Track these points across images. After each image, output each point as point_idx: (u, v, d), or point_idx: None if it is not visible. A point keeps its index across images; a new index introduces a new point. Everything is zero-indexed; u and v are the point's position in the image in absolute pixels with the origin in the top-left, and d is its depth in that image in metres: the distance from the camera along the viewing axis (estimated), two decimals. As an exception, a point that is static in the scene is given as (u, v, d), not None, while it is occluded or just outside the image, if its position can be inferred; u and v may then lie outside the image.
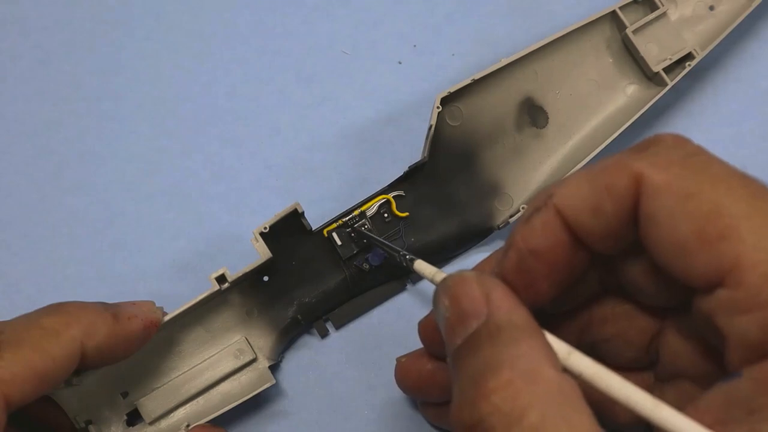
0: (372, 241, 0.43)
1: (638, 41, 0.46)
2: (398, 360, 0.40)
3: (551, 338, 0.29)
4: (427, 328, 0.38)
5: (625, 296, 0.34)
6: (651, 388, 0.34)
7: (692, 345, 0.32)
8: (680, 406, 0.27)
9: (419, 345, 0.44)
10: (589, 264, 0.32)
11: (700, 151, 0.29)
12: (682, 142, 0.29)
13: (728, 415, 0.26)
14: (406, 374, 0.40)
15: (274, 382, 0.41)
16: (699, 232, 0.27)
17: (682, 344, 0.32)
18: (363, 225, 0.44)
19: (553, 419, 0.25)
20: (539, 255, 0.30)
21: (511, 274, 0.31)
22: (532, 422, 0.25)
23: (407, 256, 0.38)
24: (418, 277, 0.45)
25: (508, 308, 0.29)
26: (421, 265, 0.36)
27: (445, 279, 0.31)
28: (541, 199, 0.31)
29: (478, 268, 0.36)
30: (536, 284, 0.31)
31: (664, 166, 0.28)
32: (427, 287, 0.46)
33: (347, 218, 0.44)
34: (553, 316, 0.35)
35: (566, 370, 0.28)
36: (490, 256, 0.37)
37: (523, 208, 0.44)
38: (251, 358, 0.42)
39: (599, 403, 0.33)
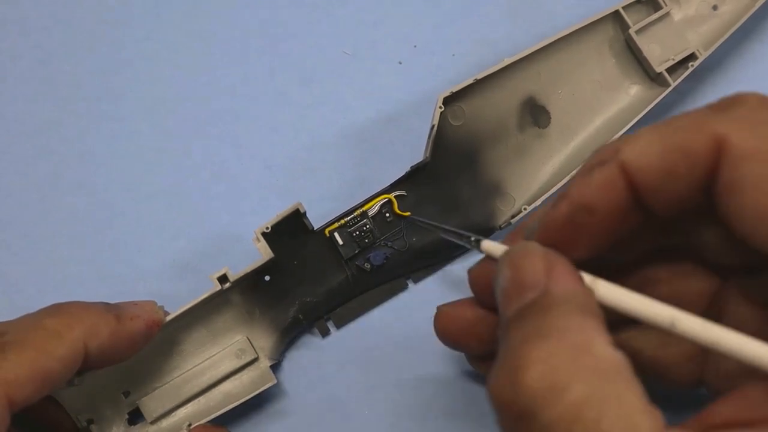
0: (427, 227, 0.42)
1: (641, 41, 0.46)
2: (439, 308, 0.38)
3: (645, 300, 0.27)
4: (479, 276, 0.36)
5: (682, 254, 0.32)
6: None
7: (760, 310, 0.30)
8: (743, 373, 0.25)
9: (419, 345, 0.44)
10: (643, 224, 0.30)
11: None
12: (767, 102, 0.27)
13: None
14: (447, 322, 0.37)
15: (275, 381, 0.41)
16: None
17: (748, 309, 0.31)
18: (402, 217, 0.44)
19: (599, 397, 0.24)
20: (593, 211, 0.29)
21: (556, 227, 0.30)
22: (575, 398, 0.24)
23: (473, 238, 0.36)
24: (419, 277, 0.45)
25: (567, 283, 0.27)
26: (489, 245, 0.35)
27: (509, 249, 0.30)
28: (607, 153, 0.28)
29: (510, 237, 0.35)
30: (581, 240, 0.29)
31: (750, 129, 0.26)
32: (430, 288, 0.46)
33: (349, 218, 0.44)
34: (603, 275, 0.33)
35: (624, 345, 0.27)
36: (523, 223, 0.35)
37: (524, 208, 0.44)
38: (252, 357, 0.42)
39: (652, 367, 0.33)
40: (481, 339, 0.37)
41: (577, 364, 0.24)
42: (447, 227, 0.39)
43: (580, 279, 0.28)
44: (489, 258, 0.35)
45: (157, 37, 0.50)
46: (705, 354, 0.33)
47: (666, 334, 0.27)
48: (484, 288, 0.35)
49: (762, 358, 0.25)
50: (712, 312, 0.32)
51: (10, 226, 0.47)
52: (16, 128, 0.48)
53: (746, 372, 0.26)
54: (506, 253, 0.30)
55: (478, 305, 0.37)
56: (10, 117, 0.48)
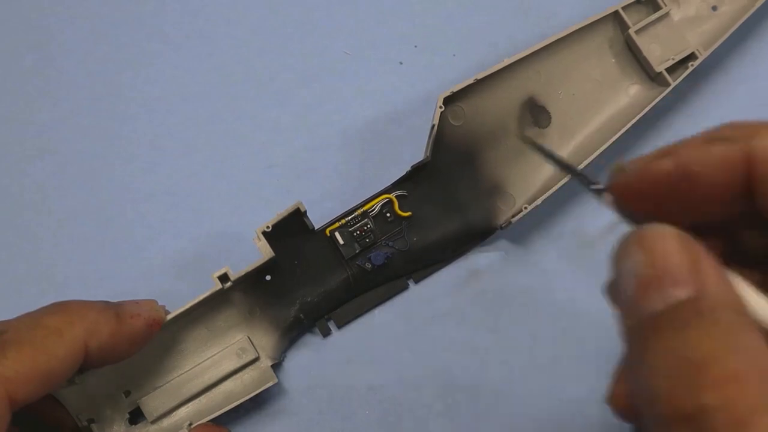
0: (548, 158, 0.38)
1: (641, 41, 0.46)
2: (608, 392, 0.28)
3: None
4: (622, 399, 0.28)
5: (750, 265, 0.29)
6: None
7: None
8: None
9: (418, 345, 0.44)
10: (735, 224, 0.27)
11: None
12: None
13: None
14: (619, 404, 0.28)
15: (276, 381, 0.41)
16: None
17: None
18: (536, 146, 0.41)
19: None
20: (697, 182, 0.26)
21: (652, 182, 0.27)
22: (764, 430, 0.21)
23: (592, 185, 0.29)
24: (420, 277, 0.45)
25: (720, 284, 0.24)
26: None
27: (640, 230, 0.25)
28: (738, 132, 0.26)
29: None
30: (669, 206, 0.27)
31: None
32: (430, 287, 0.46)
33: (349, 218, 0.44)
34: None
35: None
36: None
37: (525, 207, 0.44)
38: (253, 357, 0.42)
39: None
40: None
41: (765, 390, 0.21)
42: (566, 162, 0.34)
43: (726, 274, 0.24)
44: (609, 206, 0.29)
45: (157, 37, 0.50)
46: None
47: None
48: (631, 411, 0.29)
49: None
50: None
51: (10, 226, 0.47)
52: (16, 128, 0.48)
53: None
54: (637, 233, 0.25)
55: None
56: (10, 117, 0.48)
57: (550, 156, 0.36)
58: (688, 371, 0.22)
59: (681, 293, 0.23)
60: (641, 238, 0.25)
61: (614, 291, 0.26)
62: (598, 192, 0.29)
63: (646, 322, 0.24)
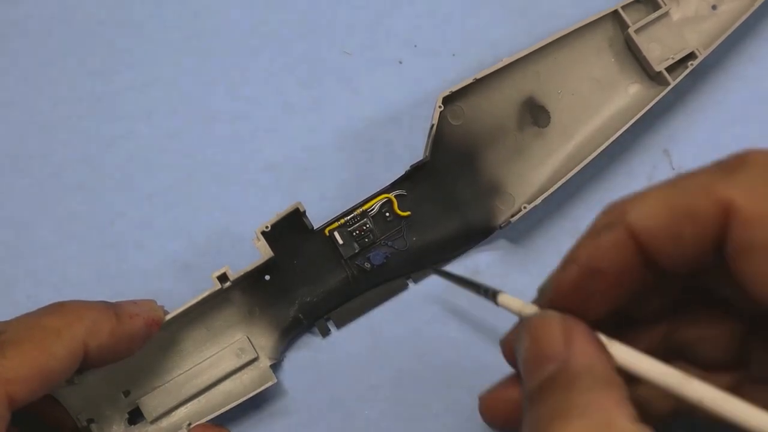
0: (449, 279, 0.41)
1: (640, 41, 0.46)
2: (481, 398, 0.36)
3: (657, 364, 0.27)
4: (509, 347, 0.34)
5: (712, 299, 0.32)
6: (738, 388, 0.31)
7: None
8: None
9: (419, 345, 0.44)
10: (659, 281, 0.30)
11: None
12: None
13: None
14: (494, 410, 0.35)
15: (275, 381, 0.41)
16: None
17: None
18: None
19: None
20: (603, 275, 0.29)
21: (567, 291, 0.30)
22: None
23: (490, 291, 0.35)
24: (419, 277, 0.45)
25: (588, 354, 0.27)
26: (505, 299, 0.34)
27: (528, 318, 0.30)
28: (613, 215, 0.29)
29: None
30: (593, 302, 0.30)
31: (757, 193, 0.26)
32: (430, 287, 0.45)
33: (348, 217, 0.44)
34: (632, 322, 0.33)
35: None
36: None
37: (524, 207, 0.44)
38: (253, 357, 0.42)
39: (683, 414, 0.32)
40: None
41: None
42: (468, 278, 0.38)
43: (600, 346, 0.28)
44: (507, 310, 0.34)
45: (157, 37, 0.50)
46: None
47: None
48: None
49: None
50: (740, 356, 0.32)
51: (10, 226, 0.47)
52: (16, 128, 0.48)
53: None
54: (525, 322, 0.30)
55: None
56: (10, 117, 0.48)
57: (457, 279, 0.40)
58: (539, 426, 0.26)
59: (551, 368, 0.27)
60: (527, 325, 0.30)
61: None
62: (494, 296, 0.34)
63: (529, 398, 0.28)
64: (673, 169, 0.47)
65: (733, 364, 0.32)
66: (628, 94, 0.47)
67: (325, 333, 0.45)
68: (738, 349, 0.32)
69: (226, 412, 0.41)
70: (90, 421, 0.40)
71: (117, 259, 0.46)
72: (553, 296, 0.30)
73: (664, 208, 0.27)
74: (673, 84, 0.45)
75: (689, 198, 0.27)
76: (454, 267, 0.46)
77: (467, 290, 0.38)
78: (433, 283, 0.46)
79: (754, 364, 0.31)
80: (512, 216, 0.44)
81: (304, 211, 0.42)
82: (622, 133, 0.44)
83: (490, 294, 0.35)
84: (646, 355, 0.28)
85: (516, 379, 0.35)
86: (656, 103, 0.45)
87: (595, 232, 0.29)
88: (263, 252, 0.41)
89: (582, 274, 0.29)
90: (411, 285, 0.46)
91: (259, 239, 0.41)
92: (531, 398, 0.28)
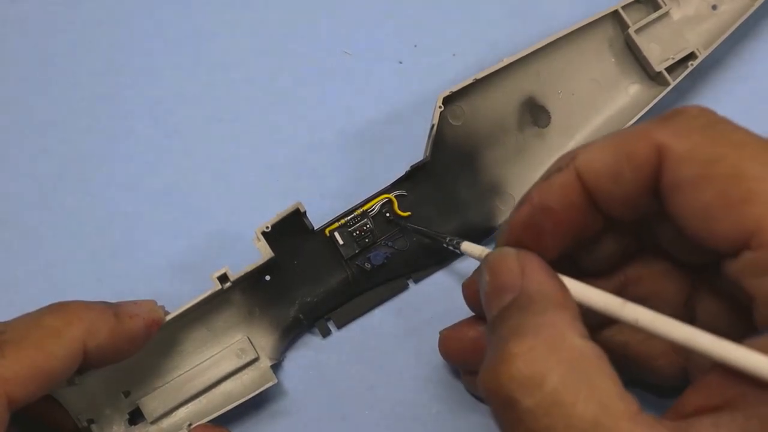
0: (412, 230, 0.44)
1: (641, 41, 0.46)
2: (441, 333, 0.41)
3: (600, 293, 0.30)
4: (470, 289, 0.39)
5: (661, 254, 0.34)
6: None
7: (726, 304, 0.33)
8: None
9: (419, 345, 0.44)
10: (603, 228, 0.33)
11: (722, 120, 0.29)
12: (706, 112, 0.30)
13: None
14: (449, 345, 0.41)
15: (275, 381, 0.41)
16: (722, 196, 0.27)
17: (716, 303, 0.33)
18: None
19: (574, 383, 0.26)
20: (551, 213, 0.32)
21: (520, 228, 0.32)
22: (552, 386, 0.26)
23: (454, 241, 0.39)
24: (419, 277, 0.45)
25: (541, 281, 0.30)
26: (468, 246, 0.38)
27: (487, 255, 0.33)
28: (564, 160, 0.31)
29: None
30: (543, 240, 0.32)
31: (686, 135, 0.29)
32: (430, 287, 0.45)
33: (349, 218, 0.44)
34: (589, 275, 0.35)
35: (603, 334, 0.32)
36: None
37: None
38: (253, 357, 0.42)
39: (639, 361, 0.36)
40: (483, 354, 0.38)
41: (552, 356, 0.27)
42: (430, 231, 0.43)
43: (552, 273, 0.31)
44: (470, 256, 0.38)
45: (157, 36, 0.50)
46: None
47: None
48: (477, 300, 0.37)
49: (705, 347, 0.28)
50: (688, 308, 0.35)
51: (10, 226, 0.47)
52: (16, 128, 0.48)
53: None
54: (484, 260, 0.33)
55: (478, 323, 0.39)
56: (10, 117, 0.49)
57: (422, 232, 0.43)
58: (498, 345, 0.29)
59: (508, 297, 0.30)
60: (487, 260, 0.32)
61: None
62: (458, 245, 0.39)
63: (489, 327, 0.31)
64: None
65: (683, 318, 0.34)
66: (628, 94, 0.47)
67: (326, 333, 0.45)
68: (685, 303, 0.35)
69: (227, 412, 0.40)
70: (90, 421, 0.40)
71: (117, 259, 0.46)
72: (509, 234, 0.33)
73: (608, 152, 0.30)
74: (673, 84, 0.45)
75: (629, 142, 0.30)
76: (454, 267, 0.46)
77: (434, 242, 0.42)
78: (433, 283, 0.46)
79: (699, 316, 0.34)
80: (512, 216, 0.44)
81: (305, 212, 0.42)
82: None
83: (454, 243, 0.39)
84: (590, 286, 0.31)
85: (473, 321, 0.40)
86: (656, 103, 0.45)
87: (547, 175, 0.32)
88: (263, 252, 0.41)
89: (533, 212, 0.32)
90: (411, 285, 0.46)
91: (259, 239, 0.41)
92: (492, 325, 0.30)
